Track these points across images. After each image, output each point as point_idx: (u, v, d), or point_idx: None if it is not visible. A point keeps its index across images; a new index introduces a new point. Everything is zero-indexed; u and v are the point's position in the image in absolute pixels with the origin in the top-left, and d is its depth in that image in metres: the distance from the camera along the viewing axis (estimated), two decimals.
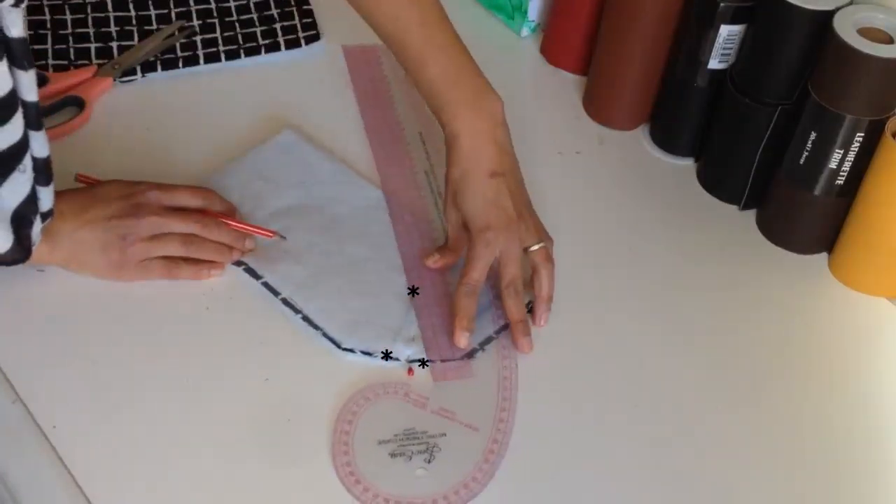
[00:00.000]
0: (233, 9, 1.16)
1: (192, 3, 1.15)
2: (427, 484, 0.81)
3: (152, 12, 1.14)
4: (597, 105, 1.11)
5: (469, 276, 0.90)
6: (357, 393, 0.86)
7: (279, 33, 1.14)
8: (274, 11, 1.16)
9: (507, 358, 0.90)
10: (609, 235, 1.01)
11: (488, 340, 0.91)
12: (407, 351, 0.89)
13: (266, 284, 0.92)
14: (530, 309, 0.92)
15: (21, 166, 0.75)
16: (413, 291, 0.93)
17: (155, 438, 0.82)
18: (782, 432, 0.88)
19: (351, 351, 0.89)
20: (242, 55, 1.12)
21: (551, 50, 1.16)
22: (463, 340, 0.89)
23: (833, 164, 0.95)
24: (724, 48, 1.00)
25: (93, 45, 1.10)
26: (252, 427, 0.84)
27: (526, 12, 1.17)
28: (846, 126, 0.92)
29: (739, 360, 0.93)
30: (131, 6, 1.14)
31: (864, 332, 0.97)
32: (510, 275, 0.90)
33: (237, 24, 1.14)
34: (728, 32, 0.99)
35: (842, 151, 0.94)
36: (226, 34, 1.13)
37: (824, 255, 1.02)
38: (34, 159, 0.76)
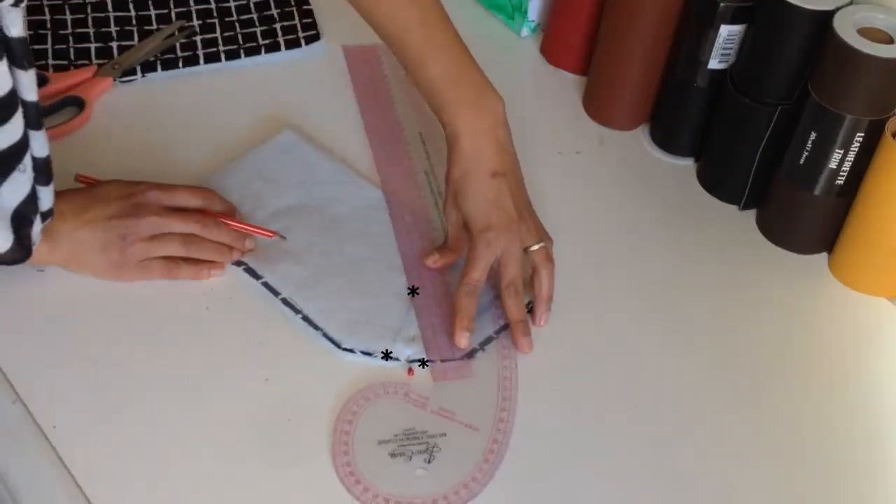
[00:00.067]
0: (233, 9, 1.16)
1: (192, 3, 1.15)
2: (427, 484, 0.81)
3: (152, 12, 1.14)
4: (597, 105, 1.11)
5: (469, 277, 0.90)
6: (357, 393, 0.86)
7: (279, 33, 1.14)
8: (274, 11, 1.16)
9: (507, 358, 0.90)
10: (609, 235, 1.01)
11: (488, 340, 0.91)
12: (407, 351, 0.89)
13: (266, 284, 0.92)
14: (530, 309, 0.92)
15: (21, 166, 0.75)
16: (413, 291, 0.93)
17: (155, 438, 0.82)
18: (782, 432, 0.88)
19: (351, 351, 0.89)
20: (242, 55, 1.12)
21: (551, 50, 1.16)
22: (463, 340, 0.89)
23: (833, 164, 0.95)
24: (724, 48, 1.00)
25: (93, 45, 1.10)
26: (252, 427, 0.84)
27: (526, 12, 1.17)
28: (846, 126, 0.92)
29: (739, 360, 0.93)
30: (131, 6, 1.14)
31: (864, 332, 0.97)
32: (510, 275, 0.90)
33: (237, 24, 1.14)
34: (728, 32, 0.99)
35: (842, 151, 0.94)
36: (226, 34, 1.13)
37: (824, 255, 1.02)
38: (34, 159, 0.76)
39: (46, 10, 1.12)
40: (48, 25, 1.11)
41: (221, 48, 1.12)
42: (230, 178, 0.99)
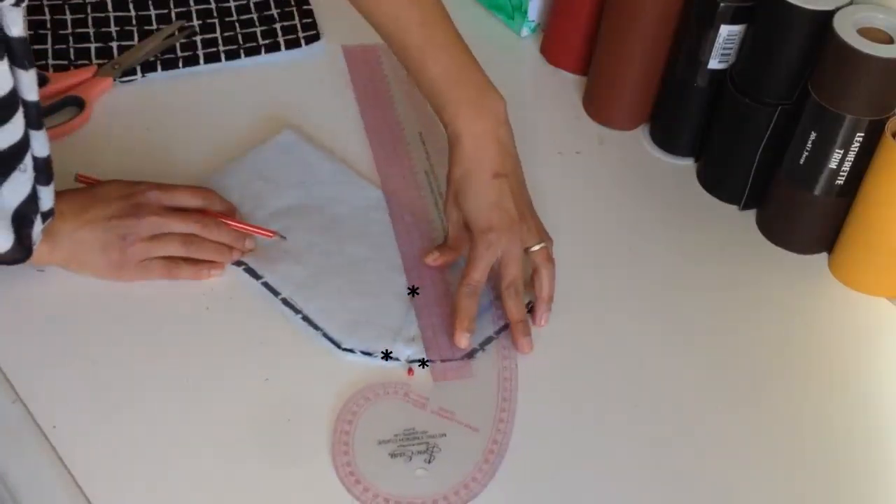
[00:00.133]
0: (233, 9, 1.16)
1: (192, 3, 1.15)
2: (427, 484, 0.81)
3: (152, 12, 1.14)
4: (597, 105, 1.11)
5: (470, 277, 0.90)
6: (357, 393, 0.86)
7: (279, 33, 1.14)
8: (274, 11, 1.16)
9: (507, 358, 0.90)
10: (609, 235, 1.01)
11: (488, 341, 0.91)
12: (407, 351, 0.89)
13: (266, 284, 0.92)
14: (530, 309, 0.92)
15: (22, 166, 0.75)
16: (413, 291, 0.93)
17: (155, 438, 0.82)
18: (782, 432, 0.88)
19: (351, 351, 0.89)
20: (242, 55, 1.12)
21: (551, 50, 1.16)
22: (464, 341, 0.89)
23: (833, 164, 0.95)
24: (724, 48, 1.00)
25: (93, 45, 1.10)
26: (252, 427, 0.84)
27: (526, 12, 1.17)
28: (846, 126, 0.92)
29: (739, 360, 0.93)
30: (131, 6, 1.14)
31: (864, 332, 0.97)
32: (511, 275, 0.90)
33: (237, 24, 1.14)
34: (728, 32, 0.99)
35: (842, 151, 0.94)
36: (226, 34, 1.13)
37: (824, 255, 1.02)
38: (35, 159, 0.76)
39: (46, 10, 1.12)
40: (48, 25, 1.11)
41: (221, 48, 1.12)
42: (230, 178, 0.99)
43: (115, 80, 1.08)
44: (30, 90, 0.73)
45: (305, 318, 0.90)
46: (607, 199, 1.05)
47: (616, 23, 1.05)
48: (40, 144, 0.76)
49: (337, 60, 1.14)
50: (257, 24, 1.15)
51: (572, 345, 0.92)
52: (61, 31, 1.11)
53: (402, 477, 0.82)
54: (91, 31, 1.12)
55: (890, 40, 0.91)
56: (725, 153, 1.04)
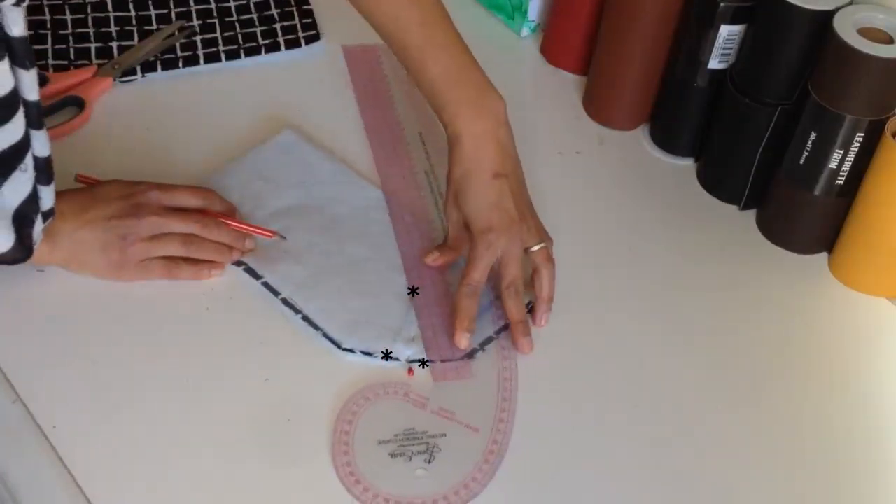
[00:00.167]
0: (233, 9, 1.16)
1: (192, 3, 1.15)
2: (427, 484, 0.81)
3: (152, 12, 1.14)
4: (597, 105, 1.11)
5: (470, 277, 0.90)
6: (357, 393, 0.86)
7: (279, 33, 1.14)
8: (274, 11, 1.16)
9: (507, 359, 0.90)
10: (609, 235, 1.01)
11: (488, 341, 0.91)
12: (407, 351, 0.89)
13: (266, 284, 0.92)
14: (530, 309, 0.92)
15: (22, 165, 0.75)
16: (413, 291, 0.93)
17: (155, 438, 0.82)
18: (782, 432, 0.88)
19: (351, 351, 0.89)
20: (242, 55, 1.12)
21: (551, 50, 1.16)
22: (464, 341, 0.89)
23: (833, 164, 0.95)
24: (724, 48, 1.00)
25: (93, 45, 1.10)
26: (252, 427, 0.84)
27: (526, 12, 1.17)
28: (846, 126, 0.92)
29: (739, 360, 0.93)
30: (131, 6, 1.14)
31: (864, 332, 0.97)
32: (511, 275, 0.90)
33: (237, 24, 1.14)
34: (728, 32, 0.99)
35: (842, 151, 0.94)
36: (226, 34, 1.13)
37: (824, 255, 1.02)
38: (35, 158, 0.76)
39: (46, 10, 1.12)
40: (48, 25, 1.11)
41: (221, 48, 1.12)
42: (230, 178, 0.99)
43: (115, 80, 1.08)
44: (30, 90, 0.73)
45: (305, 318, 0.90)
46: (607, 199, 1.05)
47: (616, 23, 1.05)
48: (41, 144, 0.76)
49: (337, 60, 1.14)
50: (257, 24, 1.15)
51: (572, 345, 0.92)
52: (61, 31, 1.11)
53: (401, 477, 0.82)
54: (91, 31, 1.12)
55: (890, 40, 0.91)
56: (725, 153, 1.04)
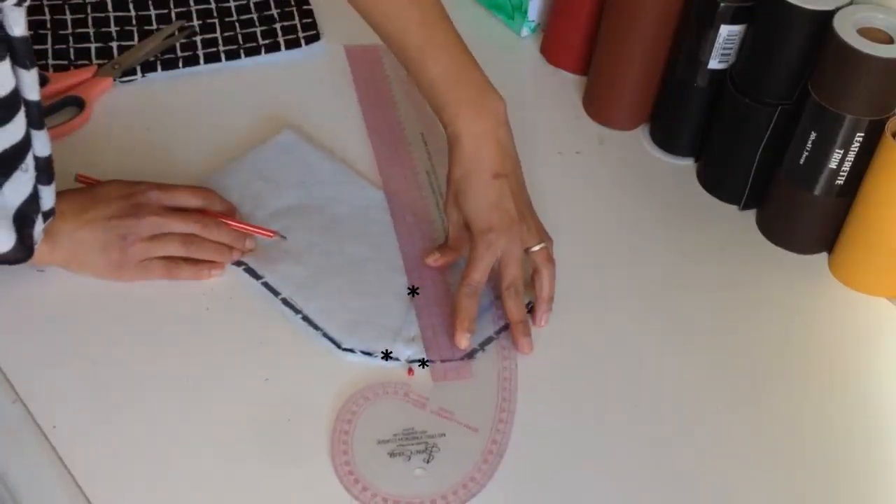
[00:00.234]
0: (233, 9, 1.16)
1: (192, 3, 1.15)
2: (426, 484, 0.81)
3: (152, 12, 1.14)
4: (597, 105, 1.11)
5: (470, 278, 0.90)
6: (357, 392, 0.86)
7: (279, 33, 1.14)
8: (274, 11, 1.16)
9: (507, 359, 0.90)
10: (609, 235, 1.01)
11: (489, 341, 0.91)
12: (407, 351, 0.89)
13: (266, 284, 0.92)
14: (531, 309, 0.92)
15: (23, 165, 0.75)
16: (413, 291, 0.93)
17: (155, 438, 0.82)
18: (782, 432, 0.88)
19: (351, 351, 0.89)
20: (242, 55, 1.12)
21: (551, 50, 1.16)
22: (464, 341, 0.89)
23: (833, 164, 0.95)
24: (724, 48, 1.00)
25: (93, 45, 1.10)
26: (252, 427, 0.84)
27: (526, 12, 1.17)
28: (846, 126, 0.92)
29: (739, 360, 0.93)
30: (131, 6, 1.14)
31: (864, 332, 0.97)
32: (511, 276, 0.90)
33: (237, 24, 1.14)
34: (728, 32, 0.99)
35: (842, 151, 0.94)
36: (226, 34, 1.13)
37: (824, 255, 1.02)
38: (36, 158, 0.76)
39: (46, 10, 1.12)
40: (48, 25, 1.11)
41: (221, 48, 1.12)
42: (230, 178, 0.99)
43: (115, 80, 1.08)
44: (31, 90, 0.73)
45: (305, 318, 0.90)
46: (607, 199, 1.05)
47: (616, 23, 1.05)
48: (42, 144, 0.76)
49: (337, 60, 1.14)
50: (257, 24, 1.15)
51: (572, 345, 0.92)
52: (61, 31, 1.11)
53: (400, 476, 0.82)
54: (91, 31, 1.12)
55: (890, 40, 0.91)
56: (725, 153, 1.04)
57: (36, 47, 1.08)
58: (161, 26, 1.13)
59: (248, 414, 0.84)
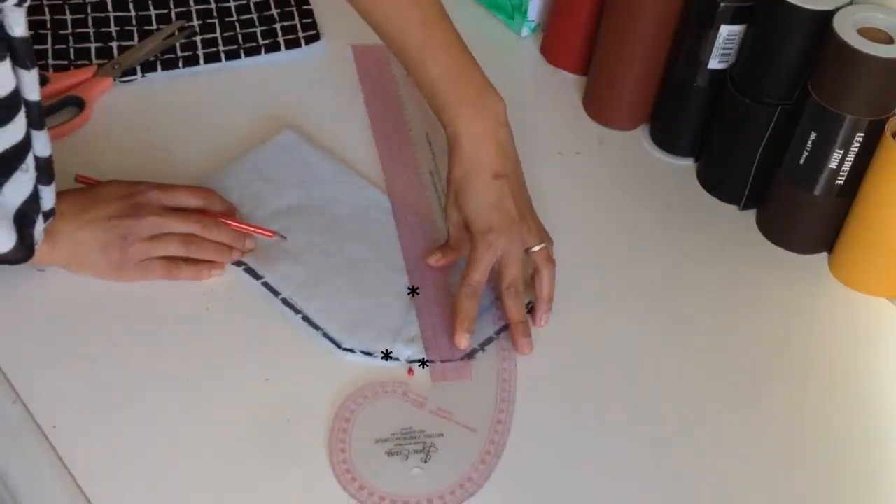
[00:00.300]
0: (233, 9, 1.16)
1: (192, 3, 1.15)
2: (423, 483, 0.81)
3: (152, 12, 1.14)
4: (597, 105, 1.11)
5: (470, 278, 0.90)
6: (355, 391, 0.86)
7: (279, 33, 1.14)
8: (274, 11, 1.16)
9: (506, 359, 0.90)
10: (609, 235, 1.01)
11: (489, 341, 0.91)
12: (407, 351, 0.89)
13: (266, 284, 0.92)
14: (531, 309, 0.92)
15: (24, 165, 0.75)
16: (413, 291, 0.93)
17: (155, 438, 0.82)
18: (782, 432, 0.88)
19: (351, 351, 0.89)
20: (242, 55, 1.12)
21: (551, 50, 1.16)
22: (464, 342, 0.89)
23: (833, 164, 0.95)
24: (724, 48, 1.00)
25: (93, 45, 1.10)
26: (252, 427, 0.84)
27: (526, 12, 1.17)
28: (846, 126, 0.92)
29: (739, 360, 0.93)
30: (131, 6, 1.14)
31: (864, 332, 0.97)
32: (511, 276, 0.90)
33: (237, 24, 1.14)
34: (728, 32, 0.99)
35: (842, 151, 0.94)
36: (226, 34, 1.13)
37: (824, 255, 1.02)
38: (36, 158, 0.76)
39: (46, 10, 1.12)
40: (48, 25, 1.11)
41: (221, 48, 1.12)
42: (230, 178, 0.99)
43: (115, 80, 1.08)
44: (32, 90, 0.73)
45: (305, 318, 0.90)
46: (607, 199, 1.05)
47: (616, 23, 1.05)
48: (42, 144, 0.76)
49: (337, 60, 1.14)
50: (257, 24, 1.15)
51: (572, 345, 0.92)
52: (61, 31, 1.11)
53: (398, 476, 0.82)
54: (91, 31, 1.12)
55: (890, 40, 0.91)
56: (725, 153, 1.04)
57: (36, 47, 1.08)
58: (161, 26, 1.13)
59: (248, 414, 0.84)
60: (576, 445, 0.85)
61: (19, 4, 0.69)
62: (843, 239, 0.99)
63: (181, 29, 1.13)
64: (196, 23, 1.13)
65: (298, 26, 1.15)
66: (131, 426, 0.83)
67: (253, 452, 0.82)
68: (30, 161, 0.75)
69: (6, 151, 0.73)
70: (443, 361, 0.89)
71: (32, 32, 1.08)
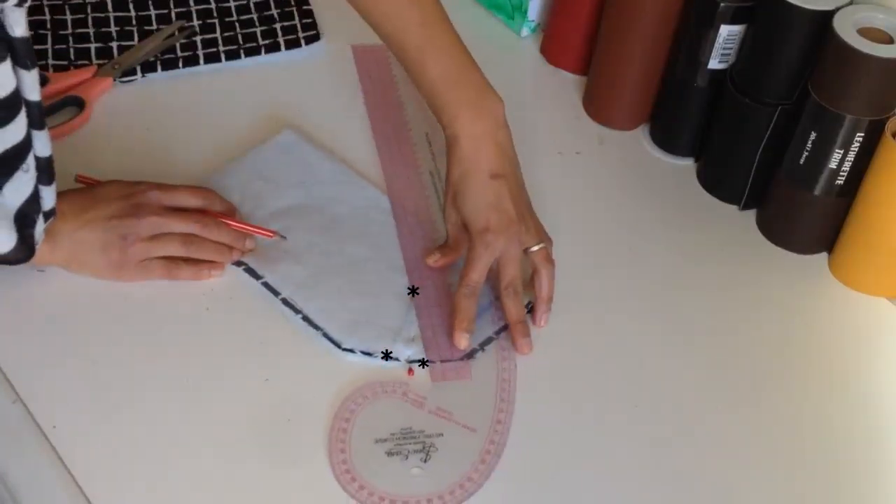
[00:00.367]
0: (233, 9, 1.16)
1: (192, 3, 1.15)
2: (422, 483, 0.81)
3: (152, 12, 1.14)
4: (597, 105, 1.11)
5: (469, 278, 0.90)
6: (355, 391, 0.86)
7: (279, 33, 1.14)
8: (274, 11, 1.16)
9: (506, 359, 0.90)
10: (609, 235, 1.01)
11: (488, 341, 0.91)
12: (407, 351, 0.89)
13: (266, 284, 0.92)
14: (530, 310, 0.92)
15: (24, 166, 0.75)
16: (413, 291, 0.93)
17: (155, 438, 0.82)
18: (782, 432, 0.88)
19: (351, 351, 0.89)
20: (242, 55, 1.12)
21: (551, 50, 1.16)
22: (462, 342, 0.89)
23: (833, 164, 0.95)
24: (724, 48, 1.00)
25: (93, 45, 1.10)
26: (252, 427, 0.84)
27: (526, 12, 1.17)
28: (846, 126, 0.92)
29: (739, 360, 0.93)
30: (131, 6, 1.14)
31: (864, 332, 0.97)
32: (509, 276, 0.90)
33: (237, 24, 1.14)
34: (728, 32, 0.99)
35: (842, 151, 0.94)
36: (226, 34, 1.13)
37: (824, 255, 1.02)
38: (37, 159, 0.76)
39: (46, 10, 1.12)
40: (48, 25, 1.11)
41: (221, 48, 1.12)
42: (230, 178, 0.99)
43: (115, 80, 1.08)
44: (32, 90, 0.73)
45: (305, 318, 0.90)
46: (607, 199, 1.05)
47: (616, 23, 1.05)
48: (42, 144, 0.76)
49: (337, 60, 1.14)
50: (257, 24, 1.15)
51: (572, 345, 0.92)
52: (61, 31, 1.11)
53: (397, 476, 0.82)
54: (91, 31, 1.12)
55: (890, 40, 0.91)
56: (725, 153, 1.04)
57: (36, 47, 1.08)
58: (161, 26, 1.13)
59: (248, 414, 0.84)
60: (576, 445, 0.85)
61: (20, 5, 0.69)
62: (843, 239, 0.99)
63: (181, 29, 1.13)
64: (196, 23, 1.13)
65: (298, 26, 1.15)
66: (131, 426, 0.83)
67: (253, 452, 0.82)
68: (30, 161, 0.75)
69: (7, 152, 0.73)
70: (443, 361, 0.89)
71: (32, 32, 1.08)
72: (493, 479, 0.82)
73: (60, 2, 1.13)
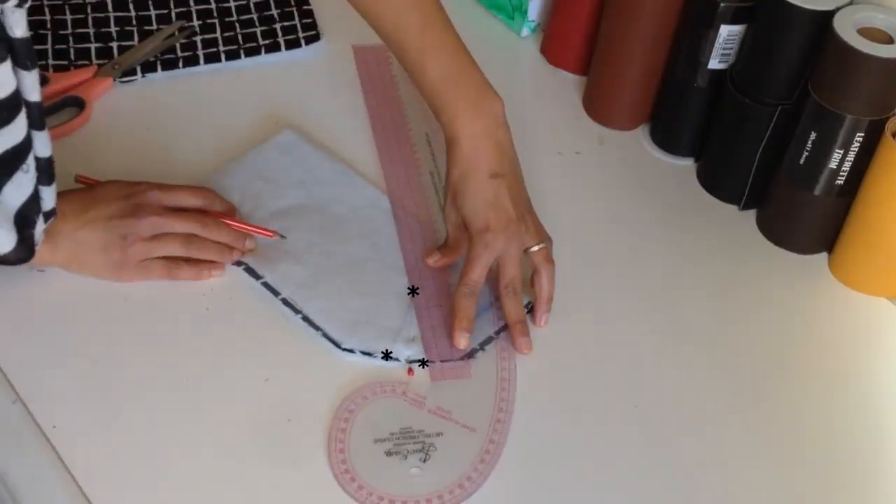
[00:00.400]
0: (233, 9, 1.16)
1: (192, 3, 1.15)
2: (422, 483, 0.81)
3: (152, 12, 1.14)
4: (597, 105, 1.11)
5: (468, 277, 0.90)
6: (354, 391, 0.86)
7: (279, 33, 1.14)
8: (274, 11, 1.16)
9: (506, 359, 0.90)
10: (609, 235, 1.01)
11: (488, 341, 0.91)
12: (407, 351, 0.89)
13: (266, 284, 0.92)
14: (530, 309, 0.92)
15: (24, 166, 0.75)
16: (413, 291, 0.93)
17: (155, 438, 0.82)
18: (782, 432, 0.88)
19: (351, 351, 0.89)
20: (242, 55, 1.12)
21: (551, 50, 1.16)
22: (462, 341, 0.89)
23: (833, 164, 0.95)
24: (724, 48, 1.00)
25: (93, 45, 1.10)
26: (252, 427, 0.84)
27: (526, 12, 1.17)
28: (846, 126, 0.92)
29: (739, 360, 0.93)
30: (131, 6, 1.14)
31: (864, 332, 0.97)
32: (509, 275, 0.90)
33: (237, 24, 1.14)
34: (728, 32, 0.99)
35: (842, 151, 0.94)
36: (226, 34, 1.13)
37: (824, 255, 1.02)
38: (37, 159, 0.76)
39: (46, 10, 1.12)
40: (48, 25, 1.11)
41: (221, 48, 1.12)
42: (230, 178, 0.99)
43: (115, 80, 1.08)
44: (32, 91, 0.73)
45: (305, 318, 0.90)
46: (607, 199, 1.05)
47: (616, 23, 1.05)
48: (42, 145, 0.76)
49: (337, 60, 1.14)
50: (257, 24, 1.15)
51: (572, 345, 0.92)
52: (61, 31, 1.11)
53: (397, 475, 0.82)
54: (91, 31, 1.12)
55: (890, 40, 0.91)
56: (725, 153, 1.04)
57: (36, 47, 1.08)
58: (161, 26, 1.13)
59: (248, 414, 0.84)
60: (575, 445, 0.85)
61: (20, 5, 0.69)
62: (843, 239, 0.99)
63: (181, 29, 1.13)
64: (196, 23, 1.13)
65: (298, 26, 1.15)
66: (131, 426, 0.83)
67: (253, 452, 0.82)
68: (30, 162, 0.75)
69: (7, 152, 0.73)
70: (442, 361, 0.89)
71: (32, 33, 1.08)
72: (492, 478, 0.82)
73: (60, 2, 1.14)
